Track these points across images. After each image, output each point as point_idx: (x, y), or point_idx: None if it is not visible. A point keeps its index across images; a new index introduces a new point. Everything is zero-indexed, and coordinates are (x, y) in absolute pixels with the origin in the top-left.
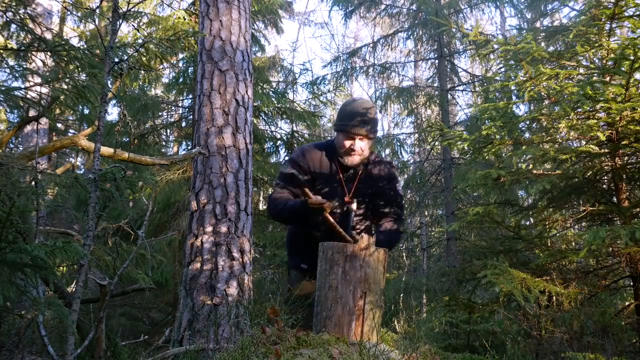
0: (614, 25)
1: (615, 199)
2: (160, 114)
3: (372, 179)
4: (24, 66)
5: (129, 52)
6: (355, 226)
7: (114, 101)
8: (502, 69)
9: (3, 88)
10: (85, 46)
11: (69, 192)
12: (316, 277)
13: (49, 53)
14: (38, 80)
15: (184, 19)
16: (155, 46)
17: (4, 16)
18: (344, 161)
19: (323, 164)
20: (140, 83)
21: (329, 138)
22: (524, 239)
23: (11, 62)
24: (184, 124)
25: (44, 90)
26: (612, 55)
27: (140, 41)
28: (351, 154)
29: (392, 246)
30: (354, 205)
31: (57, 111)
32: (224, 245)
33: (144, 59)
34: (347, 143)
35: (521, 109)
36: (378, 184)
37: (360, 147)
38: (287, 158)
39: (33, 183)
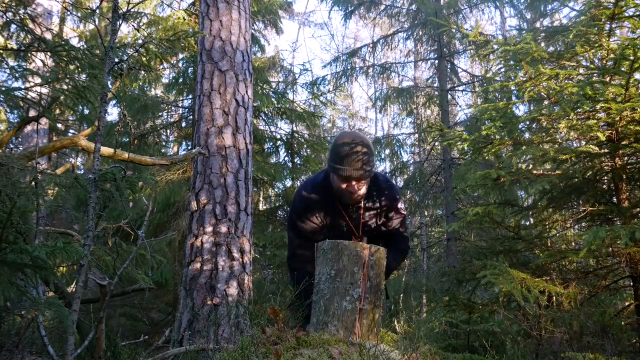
0: (613, 26)
1: (615, 199)
2: (160, 114)
3: (374, 205)
4: (24, 66)
5: (129, 52)
6: None
7: (114, 101)
8: (502, 69)
9: (3, 88)
10: (85, 46)
11: (69, 192)
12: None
13: (49, 53)
14: (38, 80)
15: (184, 19)
16: (155, 46)
17: (4, 16)
18: (344, 202)
19: (324, 206)
20: (140, 83)
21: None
22: (524, 239)
23: (11, 63)
24: (184, 124)
25: (44, 90)
26: (612, 56)
27: (140, 41)
28: (350, 196)
29: (399, 264)
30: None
31: (57, 111)
32: (224, 245)
33: (144, 59)
34: (344, 186)
35: (521, 109)
36: (381, 209)
37: (358, 187)
38: (294, 210)
39: (33, 183)
